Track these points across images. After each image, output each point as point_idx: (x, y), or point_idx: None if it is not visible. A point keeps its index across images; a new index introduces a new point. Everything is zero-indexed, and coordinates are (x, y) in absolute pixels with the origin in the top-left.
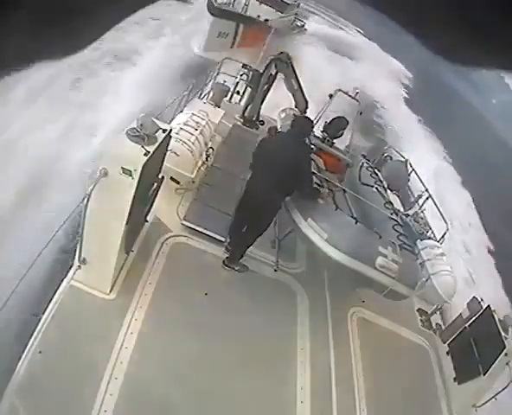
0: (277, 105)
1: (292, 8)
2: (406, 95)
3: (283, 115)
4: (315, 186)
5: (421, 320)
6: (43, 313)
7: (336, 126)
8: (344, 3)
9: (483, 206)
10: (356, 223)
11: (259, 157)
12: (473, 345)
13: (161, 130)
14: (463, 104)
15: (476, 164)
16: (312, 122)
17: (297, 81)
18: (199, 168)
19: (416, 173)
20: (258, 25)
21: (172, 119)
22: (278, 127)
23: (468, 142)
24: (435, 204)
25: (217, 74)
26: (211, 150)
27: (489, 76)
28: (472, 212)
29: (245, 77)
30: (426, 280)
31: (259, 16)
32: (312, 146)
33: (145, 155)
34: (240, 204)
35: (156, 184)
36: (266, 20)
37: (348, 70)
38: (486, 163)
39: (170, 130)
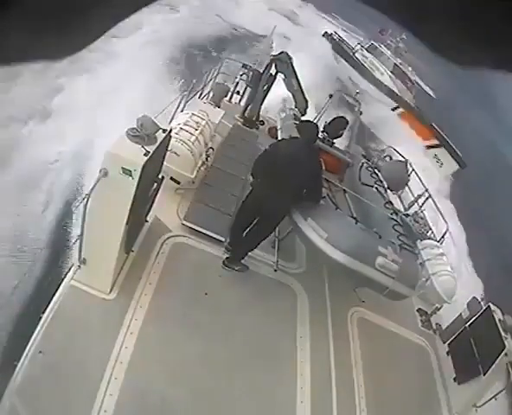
0: (277, 105)
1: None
2: None
3: (283, 115)
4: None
5: (421, 320)
6: (43, 313)
7: (335, 126)
8: None
9: None
10: (356, 223)
11: (269, 163)
12: (473, 345)
13: (161, 131)
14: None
15: None
16: (318, 127)
17: (297, 81)
18: (199, 168)
19: (416, 173)
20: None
21: (172, 119)
22: (278, 127)
23: None
24: (435, 204)
25: (217, 74)
26: (211, 150)
27: None
28: None
29: (245, 77)
30: (426, 280)
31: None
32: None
33: (145, 155)
34: (246, 207)
35: (156, 184)
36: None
37: None
38: None
39: (170, 130)
